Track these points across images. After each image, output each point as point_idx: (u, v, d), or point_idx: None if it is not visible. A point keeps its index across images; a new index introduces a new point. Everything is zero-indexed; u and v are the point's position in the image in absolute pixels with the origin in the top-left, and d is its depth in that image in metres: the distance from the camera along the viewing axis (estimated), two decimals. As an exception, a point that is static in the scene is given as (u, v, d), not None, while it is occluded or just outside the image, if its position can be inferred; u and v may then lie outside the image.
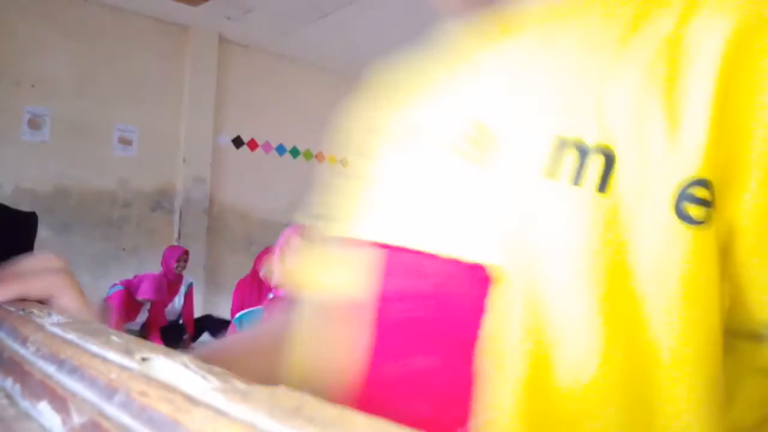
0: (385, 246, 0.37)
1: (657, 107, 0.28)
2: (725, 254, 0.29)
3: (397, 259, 0.36)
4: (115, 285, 4.08)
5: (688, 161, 0.28)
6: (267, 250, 4.27)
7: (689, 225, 0.27)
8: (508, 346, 0.29)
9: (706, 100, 0.27)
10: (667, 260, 0.27)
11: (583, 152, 0.29)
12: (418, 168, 0.38)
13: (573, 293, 0.28)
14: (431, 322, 0.34)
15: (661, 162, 0.28)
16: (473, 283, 0.32)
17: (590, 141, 0.29)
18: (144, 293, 3.95)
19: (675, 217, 0.28)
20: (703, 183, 0.27)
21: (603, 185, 0.29)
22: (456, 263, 0.32)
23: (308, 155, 6.72)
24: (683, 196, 0.27)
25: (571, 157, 0.30)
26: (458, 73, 0.39)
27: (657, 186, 0.28)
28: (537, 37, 0.35)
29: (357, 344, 0.37)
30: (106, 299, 4.03)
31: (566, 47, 0.33)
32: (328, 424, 0.14)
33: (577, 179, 0.29)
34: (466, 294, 0.32)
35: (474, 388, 0.30)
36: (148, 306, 4.19)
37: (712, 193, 0.28)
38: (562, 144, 0.30)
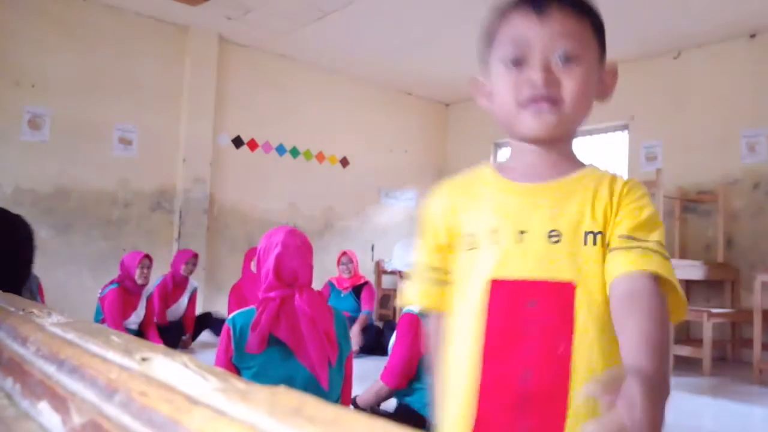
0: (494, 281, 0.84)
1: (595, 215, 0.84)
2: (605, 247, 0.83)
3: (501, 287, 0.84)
4: (106, 286, 4.09)
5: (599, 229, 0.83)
6: (252, 250, 4.27)
7: (594, 245, 0.83)
8: (586, 307, 0.80)
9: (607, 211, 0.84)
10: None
11: (594, 233, 0.83)
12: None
13: (599, 287, 0.81)
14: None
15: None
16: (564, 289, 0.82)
17: (594, 228, 0.83)
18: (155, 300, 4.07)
19: (598, 246, 0.83)
20: (601, 234, 0.82)
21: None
22: (551, 283, 0.82)
23: (308, 155, 6.72)
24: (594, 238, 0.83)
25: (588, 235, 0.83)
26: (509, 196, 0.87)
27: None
28: (558, 189, 0.86)
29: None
30: (100, 299, 4.00)
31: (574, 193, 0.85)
32: (328, 424, 0.14)
33: (594, 243, 0.83)
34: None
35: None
36: (144, 303, 4.19)
37: (603, 236, 0.82)
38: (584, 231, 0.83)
